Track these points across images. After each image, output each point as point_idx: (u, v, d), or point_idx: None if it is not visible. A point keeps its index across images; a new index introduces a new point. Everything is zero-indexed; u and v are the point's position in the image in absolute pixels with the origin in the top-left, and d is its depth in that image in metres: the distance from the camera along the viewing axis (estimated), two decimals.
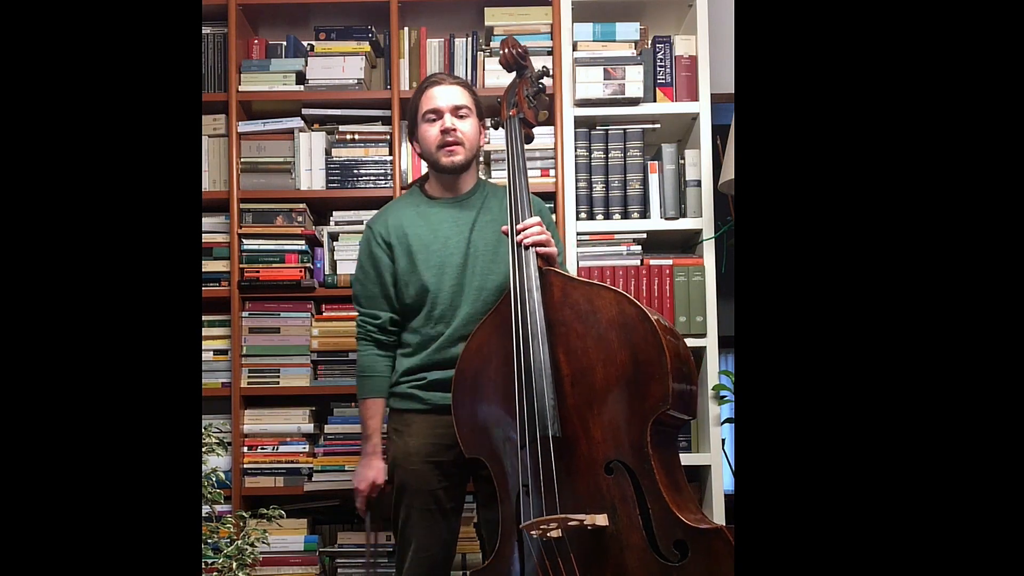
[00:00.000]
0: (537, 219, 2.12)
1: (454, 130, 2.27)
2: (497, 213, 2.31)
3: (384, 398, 2.32)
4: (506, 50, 2.28)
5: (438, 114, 2.28)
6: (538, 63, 2.91)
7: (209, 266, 2.90)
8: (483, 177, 2.47)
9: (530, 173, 2.88)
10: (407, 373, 2.28)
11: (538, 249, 2.08)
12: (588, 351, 1.96)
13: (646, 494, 1.87)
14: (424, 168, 2.45)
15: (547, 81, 2.31)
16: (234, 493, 2.79)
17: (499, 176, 2.90)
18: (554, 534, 1.87)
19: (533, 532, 1.90)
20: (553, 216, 2.88)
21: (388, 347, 2.33)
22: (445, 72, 2.36)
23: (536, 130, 2.88)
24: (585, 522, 1.86)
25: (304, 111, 2.98)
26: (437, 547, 2.25)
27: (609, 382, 1.94)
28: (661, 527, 1.85)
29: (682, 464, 2.04)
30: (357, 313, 2.37)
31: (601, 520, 1.87)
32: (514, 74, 2.32)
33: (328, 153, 2.95)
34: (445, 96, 2.29)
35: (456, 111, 2.28)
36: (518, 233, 2.09)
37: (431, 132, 2.28)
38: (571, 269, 2.84)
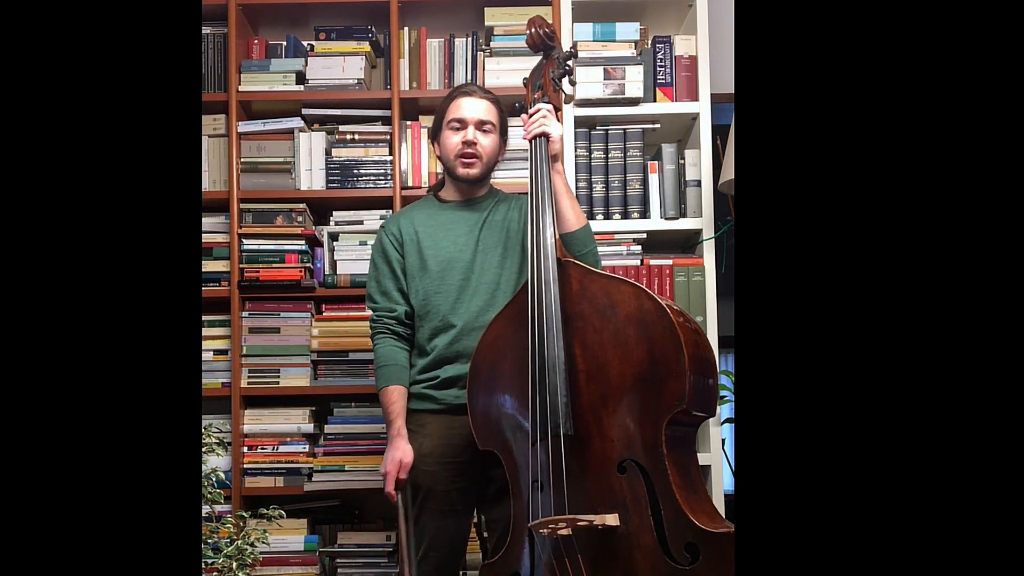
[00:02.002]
0: (548, 106, 2.16)
1: (475, 143, 2.29)
2: (505, 213, 2.33)
3: (405, 386, 2.29)
4: (532, 30, 2.23)
5: (462, 124, 2.30)
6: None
7: (209, 266, 2.90)
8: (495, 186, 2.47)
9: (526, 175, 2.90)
10: (421, 372, 2.28)
11: (544, 129, 2.12)
12: (605, 346, 1.92)
13: (659, 495, 1.82)
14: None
15: (583, 56, 2.29)
16: (234, 493, 2.79)
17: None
18: (564, 532, 1.85)
19: (542, 531, 1.88)
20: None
21: (406, 339, 2.33)
22: (477, 85, 2.40)
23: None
24: (595, 522, 1.83)
25: (304, 111, 2.98)
26: (447, 548, 2.24)
27: (625, 379, 1.89)
28: (673, 529, 1.80)
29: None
30: (371, 311, 2.36)
31: (611, 520, 1.83)
32: (540, 56, 2.26)
33: (328, 153, 2.95)
34: (472, 109, 2.30)
35: (480, 125, 2.30)
36: (528, 127, 2.14)
37: (452, 140, 2.30)
38: None
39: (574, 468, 1.89)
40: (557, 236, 2.06)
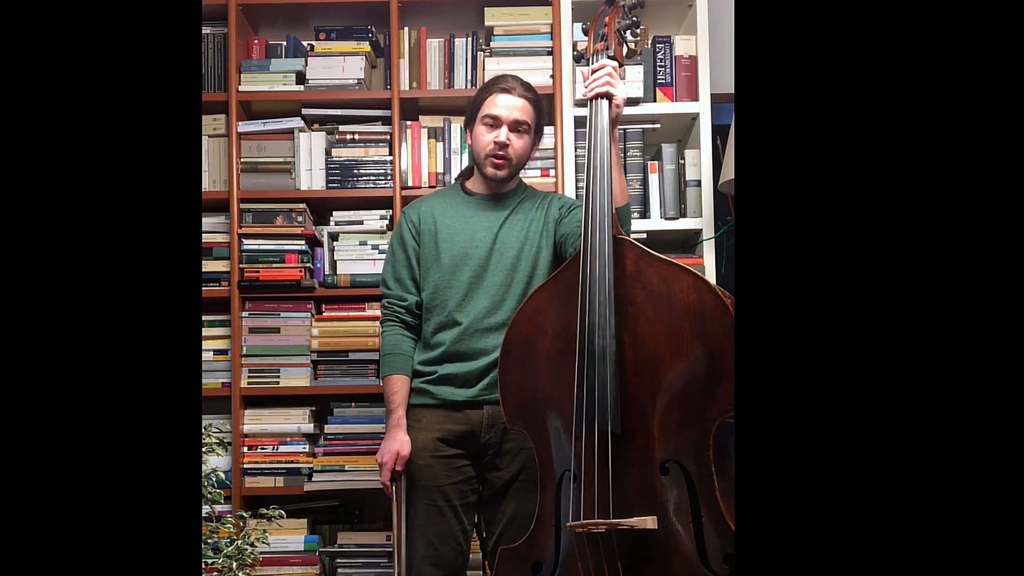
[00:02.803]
0: (613, 64, 2.00)
1: (508, 145, 2.24)
2: (528, 213, 2.29)
3: (409, 376, 2.27)
4: None
5: (497, 123, 2.24)
6: (538, 63, 2.94)
7: (209, 266, 2.90)
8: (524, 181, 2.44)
9: (530, 173, 2.89)
10: (422, 364, 2.27)
11: (609, 90, 1.98)
12: (657, 338, 1.78)
13: (701, 501, 1.72)
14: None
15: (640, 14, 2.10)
16: (234, 493, 2.79)
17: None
18: (598, 531, 1.76)
19: (578, 530, 1.79)
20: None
21: (414, 329, 2.31)
22: (518, 79, 2.29)
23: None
24: (635, 527, 1.73)
25: (304, 111, 2.98)
26: (447, 546, 2.20)
27: (677, 376, 1.76)
28: (713, 538, 1.71)
29: None
30: (383, 296, 2.34)
31: (651, 523, 1.72)
32: (604, 2, 2.09)
33: (328, 153, 2.95)
34: (509, 108, 2.24)
35: (516, 126, 2.25)
36: (590, 84, 1.97)
37: (485, 138, 2.26)
38: None
39: (614, 465, 1.77)
40: (614, 210, 1.90)
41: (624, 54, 2.05)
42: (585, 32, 2.12)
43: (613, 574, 1.77)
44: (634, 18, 2.05)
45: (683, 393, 1.77)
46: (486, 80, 2.47)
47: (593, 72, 2.02)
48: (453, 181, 2.46)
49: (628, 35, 2.04)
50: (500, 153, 2.24)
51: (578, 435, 1.81)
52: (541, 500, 1.92)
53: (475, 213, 2.30)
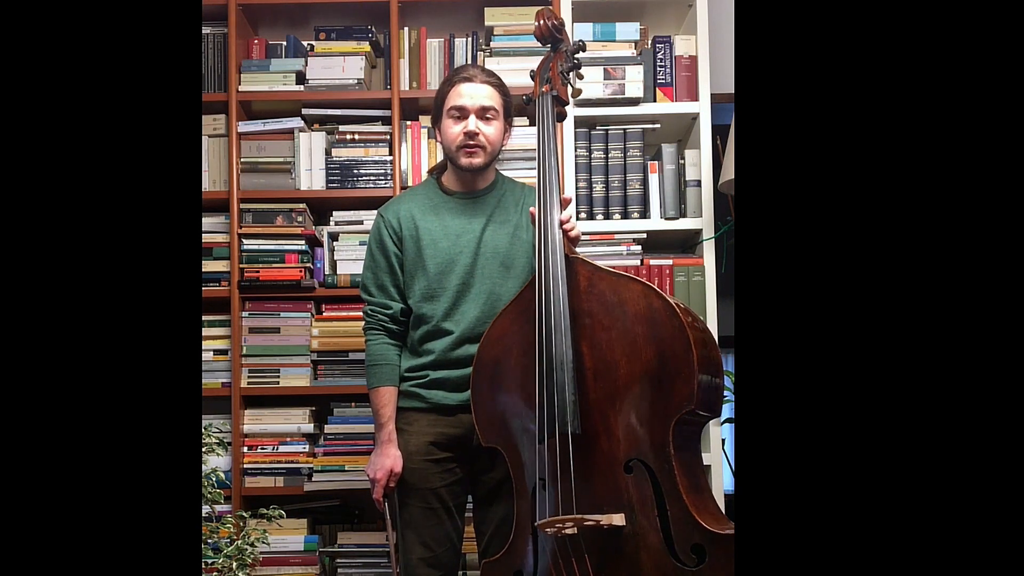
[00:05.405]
0: (569, 213, 2.12)
1: (477, 134, 2.21)
2: (512, 214, 2.28)
3: (396, 387, 2.25)
4: (541, 21, 2.18)
5: (463, 113, 2.22)
6: (538, 63, 2.93)
7: (209, 266, 2.90)
8: (500, 171, 2.43)
9: (531, 173, 2.89)
10: (411, 371, 2.25)
11: (575, 234, 2.08)
12: (613, 345, 1.91)
13: (665, 495, 1.83)
14: (439, 155, 2.41)
15: (582, 56, 2.24)
16: (234, 493, 2.79)
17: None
18: (569, 531, 1.84)
19: (548, 530, 1.87)
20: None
21: (399, 337, 2.28)
22: (479, 67, 2.30)
23: (536, 129, 2.88)
24: (602, 523, 1.83)
25: (304, 111, 2.98)
26: (443, 547, 2.22)
27: (633, 378, 1.89)
28: (679, 530, 1.81)
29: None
30: (365, 303, 2.31)
31: (618, 520, 1.84)
32: (548, 47, 2.23)
33: (328, 153, 2.95)
34: (474, 96, 2.22)
35: (483, 113, 2.22)
36: (565, 225, 2.06)
37: (453, 130, 2.22)
38: None
39: (580, 467, 1.88)
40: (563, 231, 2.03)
41: (569, 93, 2.20)
42: (531, 76, 2.24)
43: (585, 574, 1.85)
44: (576, 60, 2.19)
45: (640, 394, 1.89)
46: None
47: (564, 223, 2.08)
48: (426, 175, 2.42)
49: (572, 76, 2.20)
50: (471, 142, 2.21)
51: (542, 439, 1.92)
52: (518, 510, 2.01)
53: (456, 215, 2.26)
